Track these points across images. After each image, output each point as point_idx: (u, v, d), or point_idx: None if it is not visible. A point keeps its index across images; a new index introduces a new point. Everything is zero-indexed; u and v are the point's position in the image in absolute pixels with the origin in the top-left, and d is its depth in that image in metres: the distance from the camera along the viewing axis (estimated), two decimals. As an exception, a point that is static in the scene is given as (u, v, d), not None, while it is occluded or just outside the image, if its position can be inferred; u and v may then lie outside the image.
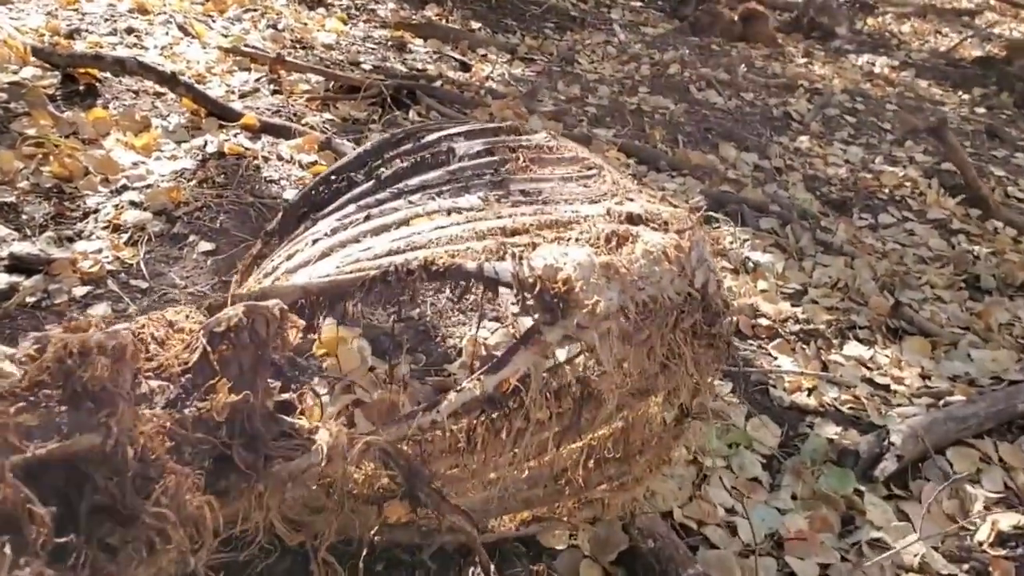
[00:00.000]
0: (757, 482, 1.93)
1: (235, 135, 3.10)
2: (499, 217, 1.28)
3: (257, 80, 3.77)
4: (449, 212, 1.36)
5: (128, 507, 0.63)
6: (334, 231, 1.42)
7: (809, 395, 2.29)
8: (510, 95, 4.23)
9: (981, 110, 5.73)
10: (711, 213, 3.28)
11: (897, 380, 2.41)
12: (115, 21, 4.04)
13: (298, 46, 4.41)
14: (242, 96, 3.57)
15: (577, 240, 1.17)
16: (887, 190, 4.01)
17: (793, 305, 2.75)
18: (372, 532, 1.16)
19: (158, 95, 3.33)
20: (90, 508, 0.62)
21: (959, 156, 3.97)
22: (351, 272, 1.10)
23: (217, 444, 0.75)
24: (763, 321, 2.62)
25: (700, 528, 1.75)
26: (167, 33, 4.06)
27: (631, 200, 1.39)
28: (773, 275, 2.93)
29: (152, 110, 3.21)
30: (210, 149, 2.93)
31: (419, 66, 4.63)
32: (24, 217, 2.39)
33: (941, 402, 2.29)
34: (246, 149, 2.99)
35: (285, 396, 0.90)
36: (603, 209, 1.31)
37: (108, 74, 3.33)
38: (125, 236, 2.40)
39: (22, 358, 0.65)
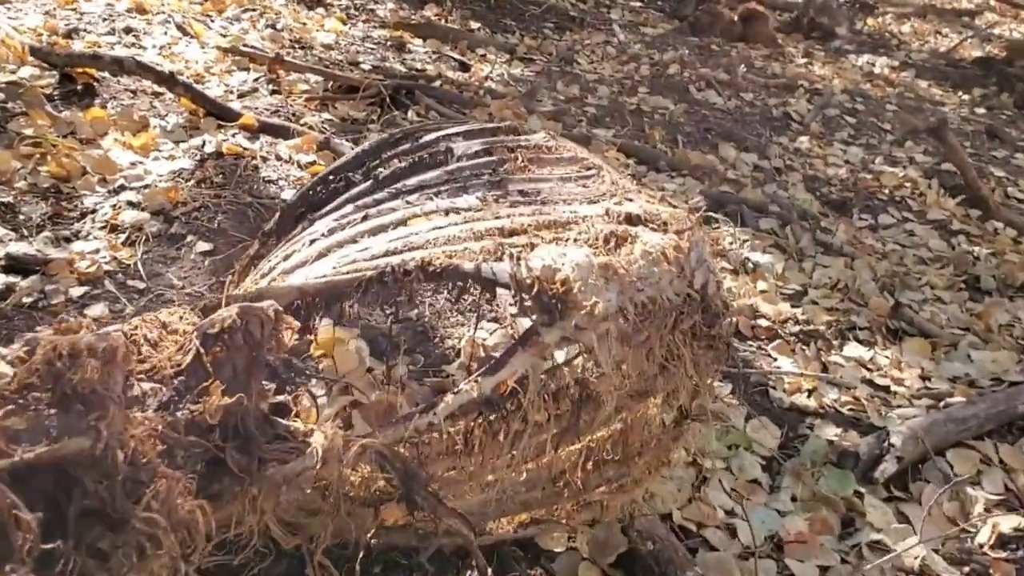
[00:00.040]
0: (757, 484, 1.92)
1: (233, 135, 3.10)
2: (497, 217, 1.27)
3: (256, 80, 3.76)
4: (447, 212, 1.35)
5: (118, 512, 0.62)
6: (331, 231, 1.41)
7: (809, 396, 2.28)
8: (509, 95, 4.23)
9: (981, 111, 5.73)
10: (710, 213, 3.27)
11: (897, 381, 2.41)
12: (113, 21, 4.03)
13: (297, 46, 4.41)
14: (240, 96, 3.56)
15: (575, 241, 1.17)
16: (887, 191, 4.00)
17: (793, 306, 2.74)
18: (369, 535, 1.15)
19: (156, 95, 3.32)
20: (79, 513, 0.61)
21: (959, 157, 3.97)
22: (348, 273, 1.09)
23: (210, 447, 0.74)
24: (763, 322, 2.61)
25: (699, 530, 1.74)
26: (165, 33, 4.05)
27: (630, 200, 1.38)
28: (773, 276, 2.93)
29: (150, 110, 3.20)
30: (208, 149, 2.92)
31: (418, 66, 4.63)
32: (21, 217, 2.38)
33: (941, 403, 2.28)
34: (244, 149, 2.98)
35: (280, 398, 0.89)
36: (602, 209, 1.31)
37: (106, 74, 3.33)
38: (123, 236, 2.39)
39: (12, 360, 0.64)
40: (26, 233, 2.32)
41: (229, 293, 0.89)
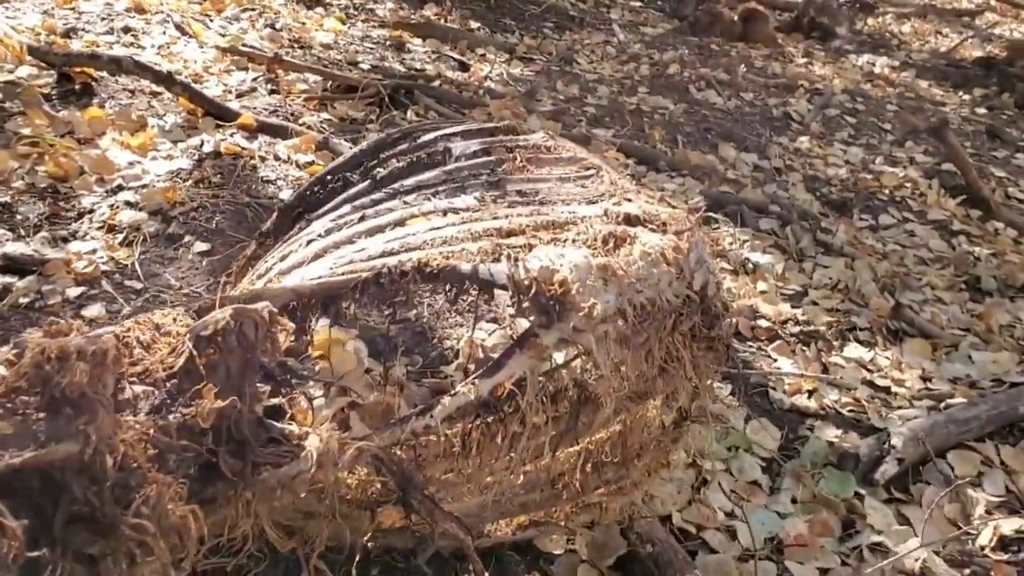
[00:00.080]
0: (757, 485, 1.91)
1: (232, 135, 3.09)
2: (495, 218, 1.26)
3: (254, 80, 3.75)
4: (445, 213, 1.35)
5: (107, 518, 0.61)
6: (328, 232, 1.40)
7: (809, 397, 2.27)
8: (508, 95, 4.22)
9: (982, 111, 5.72)
10: (710, 214, 3.26)
11: (898, 382, 2.40)
12: (112, 20, 4.02)
13: (296, 45, 4.40)
14: (239, 96, 3.55)
15: (574, 241, 1.16)
16: (887, 191, 3.99)
17: (793, 306, 2.73)
18: (366, 538, 1.14)
19: (154, 94, 3.32)
20: (66, 519, 0.60)
21: (960, 157, 3.96)
22: (344, 274, 1.08)
23: (202, 451, 0.73)
24: (763, 323, 2.60)
25: (699, 532, 1.73)
26: (164, 32, 4.04)
27: (629, 201, 1.37)
28: (773, 276, 2.92)
29: (148, 109, 3.19)
30: (206, 149, 2.91)
31: (417, 66, 4.62)
32: (18, 217, 2.37)
33: (942, 405, 2.27)
34: (243, 149, 2.97)
35: (275, 401, 0.88)
36: (601, 210, 1.30)
37: (104, 73, 3.32)
38: (120, 236, 2.38)
39: (1, 363, 0.63)
40: (23, 233, 2.31)
41: (223, 294, 0.88)
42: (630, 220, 1.28)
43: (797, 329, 2.61)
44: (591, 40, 6.00)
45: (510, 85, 4.59)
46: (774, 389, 2.28)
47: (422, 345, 2.16)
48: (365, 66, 4.35)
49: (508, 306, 2.19)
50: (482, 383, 1.04)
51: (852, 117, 5.15)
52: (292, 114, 3.48)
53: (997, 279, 3.13)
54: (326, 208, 1.55)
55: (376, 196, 1.49)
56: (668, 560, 1.58)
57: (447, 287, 1.10)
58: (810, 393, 2.29)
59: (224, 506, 0.76)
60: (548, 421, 1.17)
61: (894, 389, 2.37)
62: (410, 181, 1.51)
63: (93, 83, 3.25)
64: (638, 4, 7.57)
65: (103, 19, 4.02)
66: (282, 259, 1.36)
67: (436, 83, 4.23)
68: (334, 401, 1.75)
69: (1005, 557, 1.77)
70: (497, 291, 1.11)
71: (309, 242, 1.38)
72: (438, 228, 1.24)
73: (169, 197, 2.57)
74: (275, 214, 1.74)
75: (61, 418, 0.61)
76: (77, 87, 3.21)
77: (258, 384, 0.84)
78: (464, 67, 4.76)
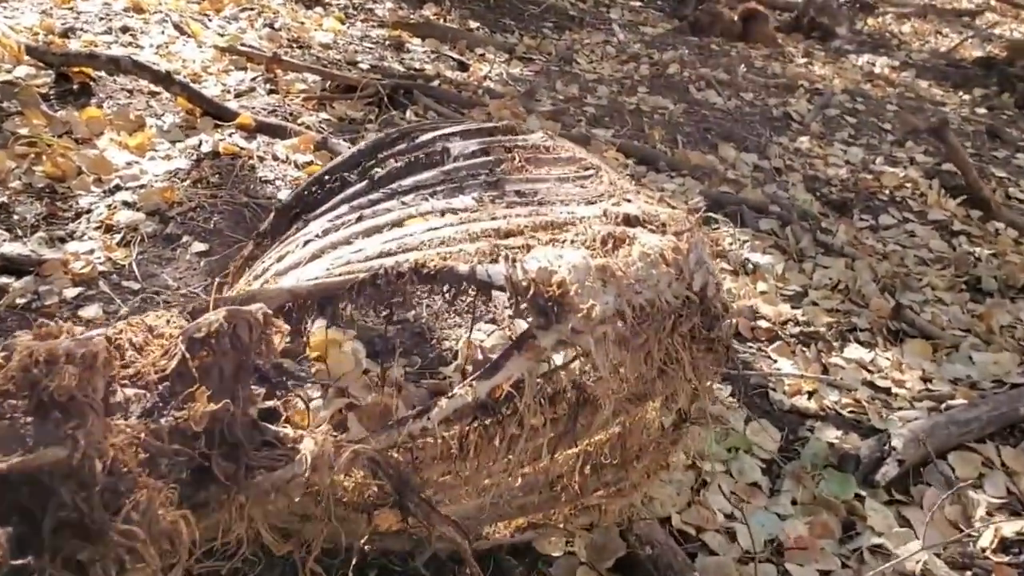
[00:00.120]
0: (757, 487, 1.90)
1: (230, 135, 3.08)
2: (493, 218, 1.26)
3: (253, 79, 3.74)
4: (443, 213, 1.34)
5: (96, 524, 0.60)
6: (326, 232, 1.40)
7: (809, 398, 2.26)
8: (508, 95, 4.21)
9: (982, 111, 5.71)
10: (710, 214, 3.25)
11: (898, 383, 2.39)
12: (110, 20, 4.01)
13: (295, 45, 4.39)
14: (238, 95, 3.55)
15: (572, 242, 1.15)
16: (888, 191, 3.98)
17: (793, 307, 2.72)
18: (362, 541, 1.13)
19: (153, 94, 3.31)
20: (55, 525, 0.59)
21: (960, 157, 3.95)
22: (340, 275, 1.07)
23: (195, 455, 0.72)
24: (763, 323, 2.59)
25: (699, 534, 1.72)
26: (163, 32, 4.03)
27: (628, 201, 1.36)
28: (773, 277, 2.91)
29: (147, 109, 3.19)
30: (205, 149, 2.90)
31: (416, 66, 4.61)
32: (15, 217, 2.36)
33: (943, 406, 2.26)
34: (241, 149, 2.96)
35: (269, 403, 0.87)
36: (599, 210, 1.29)
37: (102, 73, 3.31)
38: (118, 237, 2.37)
39: (-9, 366, 0.62)
40: (20, 233, 2.30)
41: (218, 296, 0.87)
42: (629, 221, 1.27)
43: (797, 330, 2.60)
44: (591, 40, 5.99)
45: (509, 85, 4.58)
46: (774, 390, 2.27)
47: (420, 346, 2.15)
48: (364, 66, 4.34)
49: (506, 307, 2.18)
50: (480, 385, 1.03)
51: (852, 117, 5.14)
52: (291, 114, 3.47)
53: (998, 280, 3.12)
54: (323, 208, 1.54)
55: (374, 196, 1.48)
56: (668, 562, 1.57)
57: (445, 288, 1.09)
58: (810, 394, 2.28)
59: (217, 510, 0.75)
60: (546, 423, 1.16)
61: (894, 390, 2.36)
62: (408, 181, 1.50)
63: (91, 83, 3.24)
64: (638, 4, 7.56)
65: (101, 19, 4.01)
66: (279, 260, 1.35)
67: (435, 83, 4.22)
68: (332, 402, 1.74)
69: (1006, 559, 1.76)
70: (495, 292, 1.10)
71: (306, 243, 1.37)
72: (436, 229, 1.24)
73: (167, 197, 2.56)
74: (272, 214, 1.73)
75: (49, 422, 0.60)
76: (75, 87, 3.20)
77: (252, 386, 0.84)
78: (463, 67, 4.76)
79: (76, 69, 3.23)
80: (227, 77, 3.72)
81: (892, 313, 2.72)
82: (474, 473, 1.17)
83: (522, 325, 2.06)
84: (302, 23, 4.78)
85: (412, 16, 5.52)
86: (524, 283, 1.02)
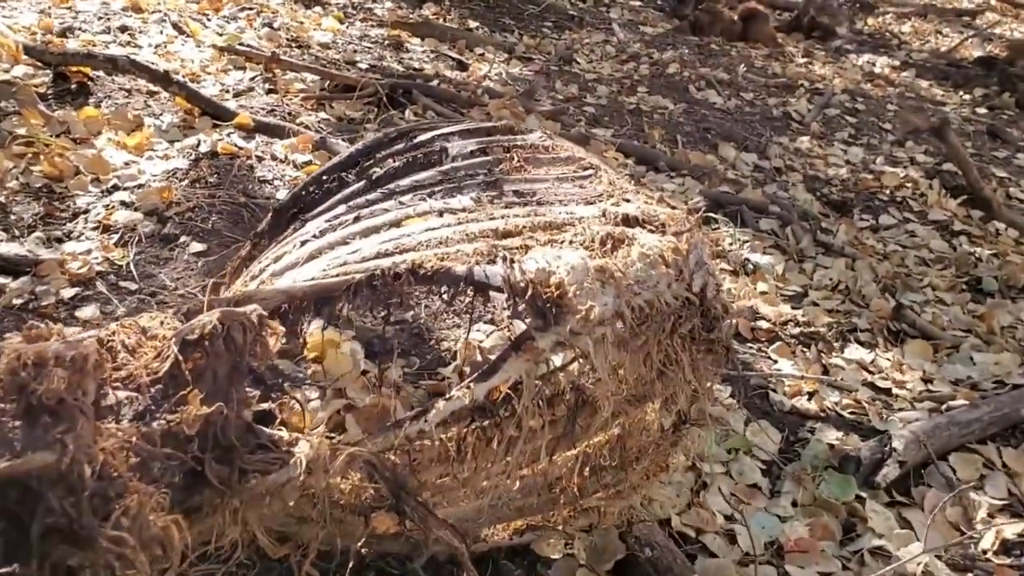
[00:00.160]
0: (757, 489, 1.89)
1: (229, 134, 3.07)
2: (491, 218, 1.25)
3: (252, 79, 3.73)
4: (441, 213, 1.33)
5: (84, 529, 0.59)
6: (323, 233, 1.39)
7: (810, 399, 2.25)
8: (507, 95, 4.20)
9: (982, 110, 5.70)
10: (710, 214, 3.24)
11: (899, 384, 2.38)
12: (109, 19, 4.00)
13: (294, 45, 4.38)
14: (236, 95, 3.54)
15: (571, 243, 1.14)
16: (888, 191, 3.97)
17: (793, 307, 2.71)
18: (360, 543, 1.13)
19: (151, 94, 3.30)
20: (43, 531, 0.58)
21: (961, 156, 3.94)
22: (337, 276, 1.06)
23: (187, 459, 0.71)
24: (763, 324, 2.59)
25: (699, 536, 1.71)
26: (161, 32, 4.02)
27: (628, 201, 1.35)
28: (773, 277, 2.90)
29: (145, 109, 3.18)
30: (203, 148, 2.90)
31: (416, 65, 4.60)
32: (12, 217, 2.35)
33: (944, 407, 2.25)
34: (239, 149, 2.96)
35: (264, 406, 0.86)
36: (598, 210, 1.28)
37: (101, 73, 3.30)
38: (115, 237, 2.36)
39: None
40: (17, 233, 2.29)
41: (212, 297, 0.86)
42: (628, 221, 1.26)
43: (797, 330, 2.60)
44: (590, 39, 5.98)
45: (509, 85, 4.57)
46: (774, 391, 2.26)
47: (419, 346, 2.14)
48: (363, 65, 4.33)
49: (504, 308, 2.17)
50: (477, 387, 1.02)
51: (852, 117, 5.13)
52: (289, 114, 3.46)
53: (999, 280, 3.11)
54: (321, 208, 1.53)
55: (372, 196, 1.47)
56: (667, 565, 1.56)
57: (442, 289, 1.08)
58: (810, 395, 2.27)
59: (211, 515, 0.74)
60: (545, 425, 1.15)
61: (895, 391, 2.35)
62: (406, 181, 1.49)
63: (89, 82, 3.23)
64: (638, 3, 7.55)
65: (100, 18, 4.00)
66: (276, 260, 1.34)
67: (434, 83, 4.21)
68: (330, 404, 1.73)
69: (1008, 561, 1.75)
70: (494, 293, 1.09)
71: (303, 243, 1.37)
72: (433, 229, 1.23)
73: (165, 197, 2.55)
74: (270, 214, 1.72)
75: (38, 426, 0.59)
76: (73, 86, 3.19)
77: (247, 389, 0.83)
78: (463, 67, 4.75)
79: (74, 69, 3.22)
80: (226, 77, 3.71)
81: (893, 313, 2.71)
82: (472, 475, 1.16)
83: (521, 326, 2.05)
84: (301, 23, 4.77)
85: (411, 16, 5.51)
86: (522, 284, 1.01)
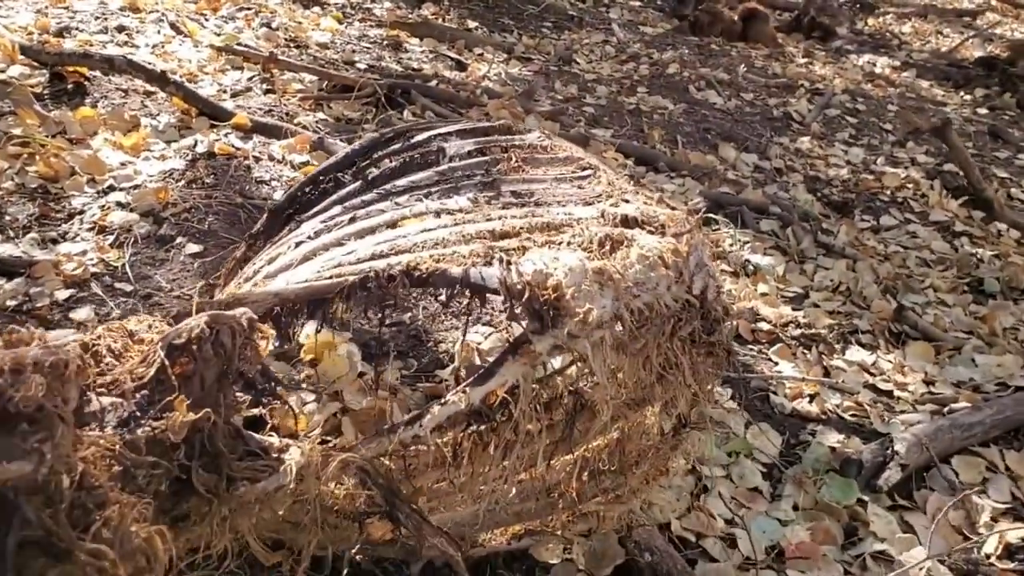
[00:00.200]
0: (757, 492, 1.87)
1: (226, 135, 3.05)
2: (488, 219, 1.23)
3: (250, 79, 3.71)
4: (437, 214, 1.31)
5: (63, 542, 0.57)
6: (318, 233, 1.37)
7: (811, 402, 2.23)
8: (506, 95, 4.18)
9: (983, 111, 5.68)
10: (710, 215, 3.22)
11: (900, 386, 2.36)
12: (106, 19, 3.98)
13: (292, 45, 4.36)
14: (234, 95, 3.52)
15: (569, 244, 1.12)
16: (889, 192, 3.96)
17: (794, 309, 2.69)
18: (354, 550, 1.11)
19: (148, 94, 3.28)
20: (19, 543, 0.56)
21: (963, 157, 3.92)
22: (331, 277, 1.04)
23: (173, 467, 0.69)
24: (763, 325, 2.57)
25: (699, 541, 1.70)
26: (159, 31, 4.00)
27: (627, 202, 1.33)
28: (773, 278, 2.88)
29: (142, 109, 3.16)
30: (200, 149, 2.88)
31: (415, 65, 4.58)
32: (7, 218, 2.33)
33: (946, 409, 2.23)
34: (237, 149, 2.94)
35: (255, 411, 0.84)
36: (597, 211, 1.26)
37: (97, 73, 3.28)
38: (111, 238, 2.34)
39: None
40: (12, 234, 2.27)
41: (201, 299, 0.85)
42: (628, 222, 1.24)
43: (798, 332, 2.58)
44: (590, 40, 5.96)
45: (508, 85, 4.55)
46: (775, 393, 2.24)
47: (417, 348, 2.12)
48: (362, 66, 4.31)
49: (501, 310, 2.15)
50: (473, 391, 1.00)
51: (853, 117, 5.11)
52: (287, 114, 3.44)
53: (1000, 281, 3.09)
54: (317, 209, 1.51)
55: (367, 197, 1.45)
56: (667, 570, 1.54)
57: (438, 291, 1.06)
58: (811, 397, 2.25)
59: (198, 523, 0.72)
60: (542, 429, 1.13)
61: (897, 393, 2.33)
62: (402, 182, 1.48)
63: (86, 82, 3.21)
64: (637, 3, 7.54)
65: (97, 18, 3.98)
66: (270, 262, 1.32)
67: (433, 83, 4.20)
68: (326, 407, 1.71)
69: (1012, 566, 1.73)
70: (489, 295, 1.07)
71: (298, 244, 1.35)
72: (430, 230, 1.21)
73: (161, 198, 2.53)
74: (265, 215, 1.70)
75: (15, 434, 0.58)
76: (69, 86, 3.17)
77: (237, 394, 0.81)
78: (462, 67, 4.73)
79: (71, 68, 3.20)
80: (223, 77, 3.69)
81: (894, 315, 2.69)
82: (469, 480, 1.14)
83: (519, 328, 2.03)
84: (300, 23, 4.75)
85: (410, 16, 5.49)
86: (519, 286, 0.99)
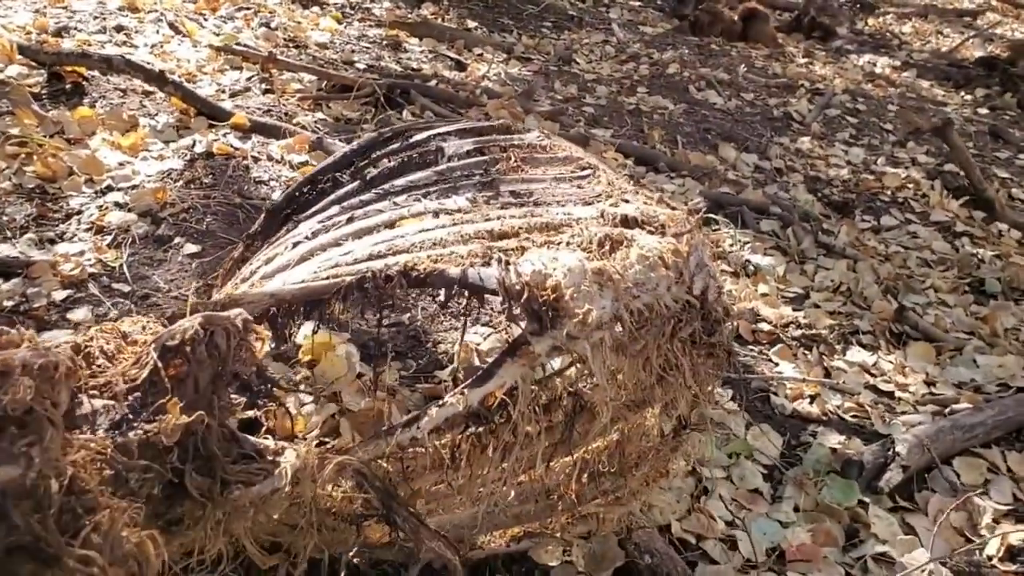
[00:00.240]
0: (758, 494, 1.86)
1: (224, 135, 3.04)
2: (487, 219, 1.22)
3: (249, 79, 3.71)
4: (436, 214, 1.30)
5: (51, 547, 0.56)
6: (316, 234, 1.36)
7: (811, 403, 2.22)
8: (506, 95, 4.17)
9: (984, 111, 5.67)
10: (710, 215, 3.21)
11: (901, 387, 2.35)
12: (104, 19, 3.98)
13: (291, 45, 4.35)
14: (233, 95, 3.51)
15: (568, 244, 1.11)
16: (889, 192, 3.95)
17: (795, 309, 2.68)
18: (352, 553, 1.10)
19: (147, 94, 3.27)
20: (7, 549, 0.55)
21: (963, 157, 3.91)
22: (327, 278, 1.03)
23: (164, 471, 0.68)
24: (764, 326, 2.56)
25: (699, 543, 1.69)
26: (158, 31, 3.99)
27: (627, 202, 1.32)
28: (774, 278, 2.87)
29: (140, 109, 3.15)
30: (198, 149, 2.87)
31: (414, 65, 4.57)
32: (4, 219, 2.32)
33: (947, 410, 2.22)
34: (235, 149, 2.93)
35: (250, 414, 0.83)
36: (597, 211, 1.25)
37: (96, 72, 3.27)
38: (108, 238, 2.33)
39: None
40: (9, 235, 2.26)
41: (197, 300, 0.84)
42: (627, 222, 1.23)
43: (799, 332, 2.57)
44: (590, 39, 5.95)
45: (508, 85, 4.54)
46: (775, 394, 2.23)
47: (416, 349, 2.11)
48: (361, 65, 4.30)
49: (499, 311, 2.14)
50: (471, 393, 0.99)
51: (853, 117, 5.11)
52: (286, 114, 3.43)
53: (1002, 281, 3.08)
54: (314, 209, 1.51)
55: (366, 197, 1.44)
56: (667, 572, 1.53)
57: (436, 292, 1.05)
58: (812, 398, 2.24)
59: (192, 527, 0.71)
60: (541, 431, 1.12)
61: (898, 394, 2.32)
62: (401, 181, 1.47)
63: (84, 82, 3.20)
64: (637, 3, 7.53)
65: (95, 18, 3.97)
66: (267, 262, 1.31)
67: (433, 83, 4.19)
68: (324, 408, 1.70)
69: (1014, 568, 1.72)
70: (488, 296, 1.06)
71: (295, 244, 1.34)
72: (428, 230, 1.20)
73: (159, 198, 2.52)
74: (263, 215, 1.69)
75: (3, 438, 0.57)
76: (68, 86, 3.16)
77: (232, 396, 0.80)
78: (461, 67, 4.72)
79: (69, 68, 3.19)
80: (222, 77, 3.68)
81: (895, 315, 2.68)
82: (467, 482, 1.13)
83: (518, 329, 2.02)
84: (299, 22, 4.74)
85: (410, 15, 5.48)
86: (517, 287, 0.98)
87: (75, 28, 3.78)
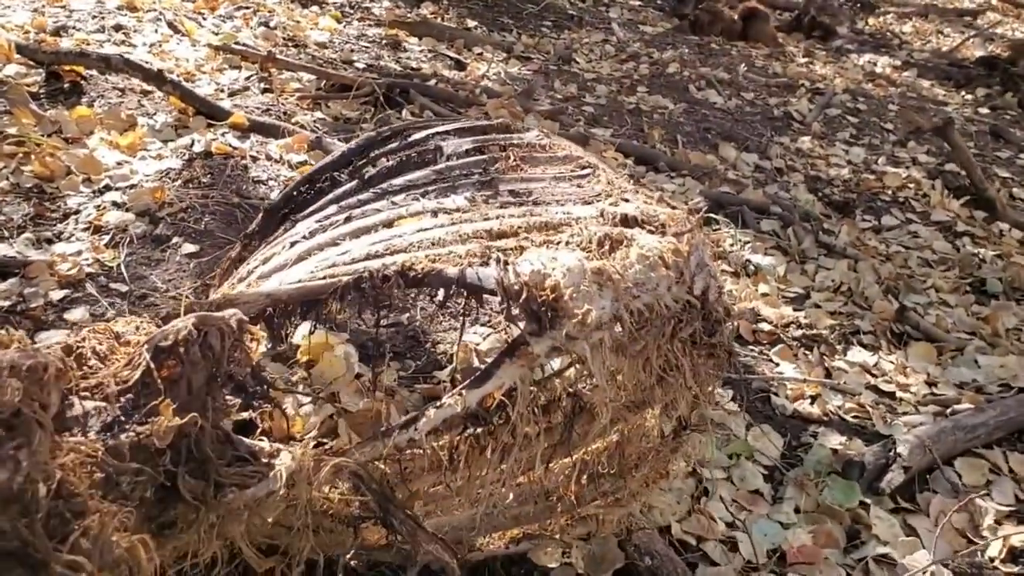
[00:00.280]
0: (759, 495, 1.85)
1: (223, 134, 3.03)
2: (486, 219, 1.21)
3: (247, 78, 3.69)
4: (434, 213, 1.29)
5: (39, 553, 0.55)
6: (313, 233, 1.35)
7: (812, 403, 2.21)
8: (506, 94, 4.16)
9: (984, 111, 5.66)
10: (711, 215, 3.20)
11: (903, 387, 2.34)
12: (103, 18, 3.96)
13: (290, 44, 4.34)
14: (231, 94, 3.50)
15: (567, 244, 1.10)
16: (890, 191, 3.94)
17: (795, 309, 2.67)
18: (349, 555, 1.09)
19: (145, 93, 3.26)
20: (-7, 555, 0.55)
21: (965, 157, 3.90)
22: (324, 278, 1.02)
23: (156, 474, 0.67)
24: (764, 326, 2.55)
25: (699, 544, 1.68)
26: (156, 31, 3.98)
27: (627, 201, 1.31)
28: (774, 278, 2.86)
29: (138, 108, 3.14)
30: (197, 148, 2.85)
31: (413, 65, 4.56)
32: (2, 218, 2.31)
33: (948, 410, 2.21)
34: (234, 148, 2.92)
35: (245, 415, 0.82)
36: (596, 211, 1.24)
37: (94, 72, 3.26)
38: (106, 238, 2.32)
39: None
40: (6, 234, 2.25)
41: (191, 300, 0.83)
42: (627, 221, 1.22)
43: (799, 332, 2.56)
44: (590, 39, 5.94)
45: (507, 84, 4.53)
46: (776, 395, 2.22)
47: (414, 349, 2.10)
48: (360, 65, 4.29)
49: (498, 311, 2.13)
50: (470, 394, 0.98)
51: (854, 117, 5.09)
52: (285, 113, 3.42)
53: (1003, 281, 3.07)
54: (312, 209, 1.49)
55: (364, 196, 1.43)
56: (667, 574, 1.52)
57: (434, 292, 1.04)
58: (813, 399, 2.23)
59: (185, 531, 0.70)
60: (540, 432, 1.11)
61: (899, 394, 2.31)
62: (399, 181, 1.46)
63: (82, 81, 3.19)
64: (637, 3, 7.52)
65: (94, 17, 3.96)
66: (264, 262, 1.30)
67: (432, 82, 4.17)
68: (322, 409, 1.69)
69: (1016, 570, 1.72)
70: (486, 296, 1.05)
71: (293, 244, 1.33)
72: (426, 229, 1.19)
73: (157, 198, 2.51)
74: (261, 215, 1.68)
75: (-9, 442, 0.56)
76: (66, 86, 3.15)
77: (227, 397, 0.79)
78: (461, 66, 4.71)
79: (67, 67, 3.18)
80: (221, 76, 3.67)
81: (896, 315, 2.67)
82: (466, 484, 1.12)
83: (517, 329, 2.01)
84: (298, 22, 4.73)
85: (409, 15, 5.47)
86: (516, 287, 0.97)
87: (73, 27, 3.77)
